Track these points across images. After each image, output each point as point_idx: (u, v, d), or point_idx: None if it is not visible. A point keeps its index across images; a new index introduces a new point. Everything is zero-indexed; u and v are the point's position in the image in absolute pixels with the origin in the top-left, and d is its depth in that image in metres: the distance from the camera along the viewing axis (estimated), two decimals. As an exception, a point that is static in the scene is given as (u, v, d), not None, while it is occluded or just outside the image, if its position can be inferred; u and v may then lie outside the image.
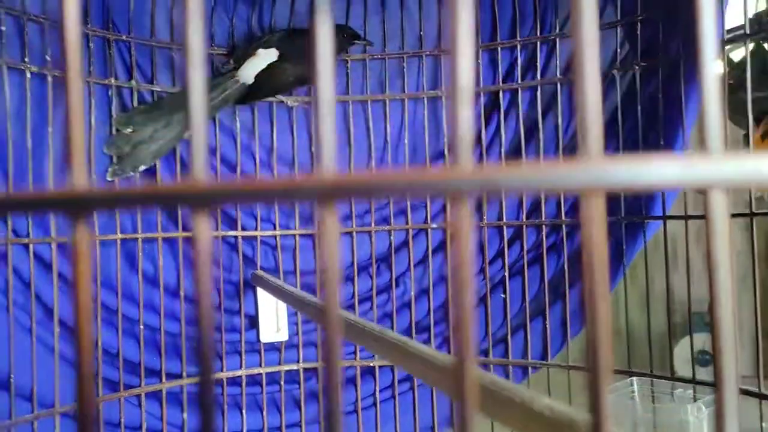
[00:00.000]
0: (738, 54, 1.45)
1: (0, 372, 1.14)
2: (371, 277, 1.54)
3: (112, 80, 1.31)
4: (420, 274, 1.54)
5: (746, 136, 1.66)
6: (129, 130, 1.30)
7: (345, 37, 1.42)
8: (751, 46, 1.19)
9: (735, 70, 1.38)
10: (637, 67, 1.31)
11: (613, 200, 1.37)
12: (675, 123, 1.26)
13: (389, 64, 1.52)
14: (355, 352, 1.51)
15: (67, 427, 1.22)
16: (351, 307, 1.52)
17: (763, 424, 1.04)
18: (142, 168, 1.33)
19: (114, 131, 1.31)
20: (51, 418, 1.19)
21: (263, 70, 1.36)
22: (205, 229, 0.21)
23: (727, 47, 1.21)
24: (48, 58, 1.21)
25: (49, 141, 1.21)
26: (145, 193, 0.21)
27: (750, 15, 1.18)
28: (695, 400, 1.19)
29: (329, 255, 0.19)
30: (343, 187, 0.20)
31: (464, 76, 0.20)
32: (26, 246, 1.18)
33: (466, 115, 0.20)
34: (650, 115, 1.31)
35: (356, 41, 1.45)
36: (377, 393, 1.51)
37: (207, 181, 0.20)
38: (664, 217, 1.27)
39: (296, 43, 1.38)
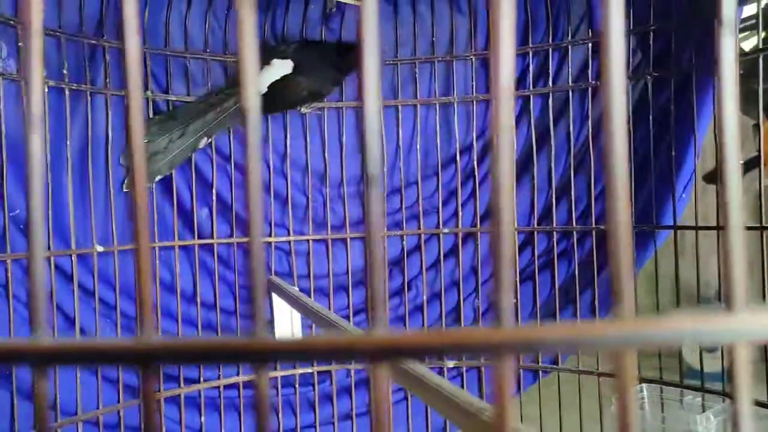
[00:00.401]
0: (749, 44, 1.45)
1: (25, 383, 1.16)
2: (384, 282, 1.55)
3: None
4: (432, 278, 1.56)
5: (756, 126, 1.66)
6: (144, 141, 1.32)
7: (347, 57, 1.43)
8: (763, 35, 1.19)
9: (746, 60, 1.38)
10: (649, 77, 1.32)
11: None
12: (687, 134, 1.27)
13: (401, 70, 1.53)
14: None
15: (90, 435, 1.25)
16: (363, 311, 1.54)
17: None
18: (158, 178, 1.35)
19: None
20: (74, 426, 1.22)
21: (277, 81, 1.37)
22: (265, 383, 0.22)
23: (739, 36, 1.22)
24: (65, 72, 1.22)
25: (67, 153, 1.23)
26: (210, 347, 0.22)
27: (763, 5, 1.18)
28: (704, 408, 1.21)
29: (378, 413, 0.21)
30: (395, 347, 0.21)
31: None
32: (48, 259, 1.20)
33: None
34: (662, 125, 1.31)
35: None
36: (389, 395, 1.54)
37: (267, 339, 0.22)
38: (675, 227, 1.28)
39: (310, 56, 1.39)
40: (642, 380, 1.34)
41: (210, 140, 1.40)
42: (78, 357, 0.24)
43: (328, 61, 1.42)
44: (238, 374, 1.46)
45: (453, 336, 0.21)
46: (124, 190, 1.32)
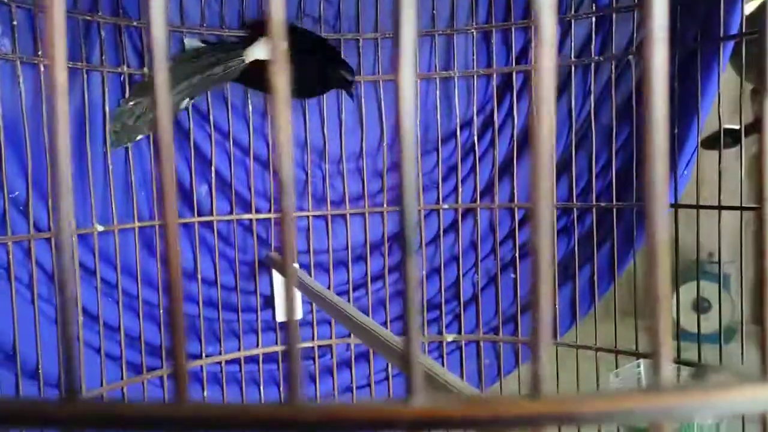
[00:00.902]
0: (750, 6, 1.43)
1: (29, 363, 1.17)
2: (383, 256, 1.56)
3: (125, 68, 1.30)
4: (431, 253, 1.57)
5: (755, 91, 1.65)
6: (131, 103, 1.30)
7: (335, 72, 1.39)
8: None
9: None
10: (653, 53, 1.30)
11: (623, 186, 1.38)
12: (690, 111, 1.26)
13: (401, 44, 1.50)
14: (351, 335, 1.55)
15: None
16: (363, 286, 1.55)
17: None
18: (139, 137, 1.33)
19: (119, 105, 1.30)
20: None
21: (259, 60, 1.35)
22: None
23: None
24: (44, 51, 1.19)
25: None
26: (244, 414, 0.22)
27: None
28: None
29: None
30: (432, 418, 0.21)
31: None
32: (48, 240, 1.19)
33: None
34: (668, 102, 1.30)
35: (344, 79, 1.40)
36: (372, 374, 1.56)
37: (305, 407, 0.22)
38: (676, 206, 1.29)
39: (294, 48, 1.35)
40: (639, 356, 1.36)
41: (192, 102, 1.38)
42: (112, 422, 0.24)
43: (312, 63, 1.38)
44: (239, 349, 1.47)
45: (492, 407, 0.21)
46: (109, 149, 1.28)
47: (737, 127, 1.19)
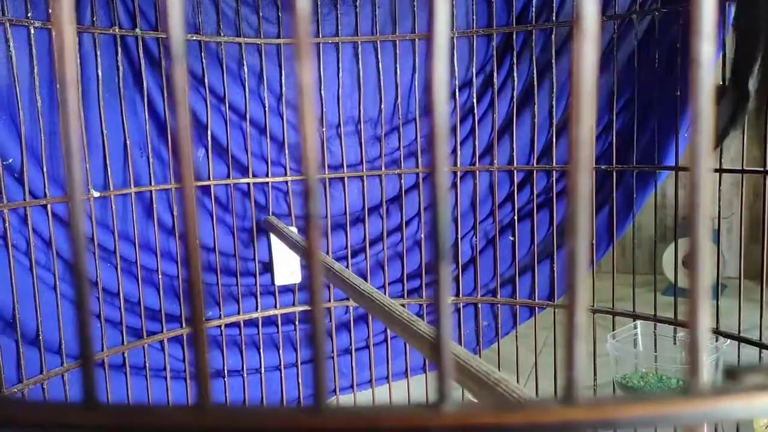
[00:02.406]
0: None
1: (29, 330, 1.17)
2: (382, 219, 1.56)
3: (117, 29, 1.27)
4: (430, 215, 1.56)
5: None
6: None
7: None
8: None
9: None
10: (656, 13, 1.28)
11: (624, 148, 1.37)
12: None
13: (399, 2, 1.47)
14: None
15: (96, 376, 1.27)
16: (362, 251, 1.55)
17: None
18: None
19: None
20: (80, 369, 1.24)
21: None
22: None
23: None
24: (51, 10, 1.16)
25: (58, 97, 1.19)
26: (270, 420, 0.22)
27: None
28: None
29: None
30: (464, 426, 0.21)
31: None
32: (44, 206, 1.18)
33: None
34: (668, 63, 1.29)
35: None
36: (371, 336, 1.57)
37: (335, 413, 0.21)
38: (677, 168, 1.28)
39: None
40: (636, 317, 1.37)
41: None
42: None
43: None
44: (238, 313, 1.48)
45: (527, 414, 0.21)
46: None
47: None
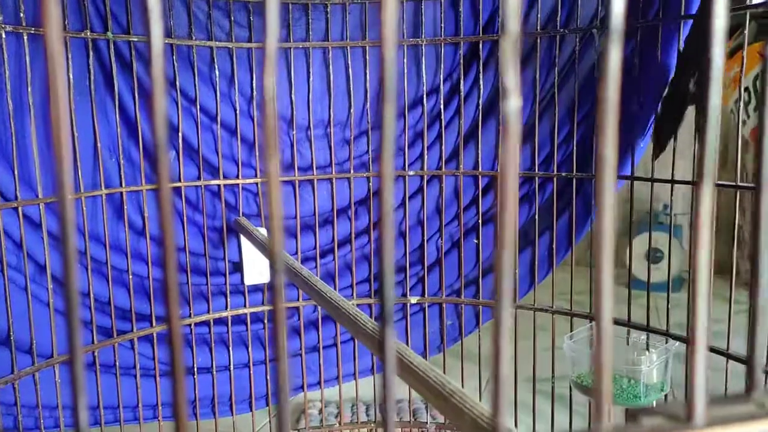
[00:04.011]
0: None
1: (0, 330, 1.19)
2: (350, 220, 1.59)
3: (88, 33, 1.28)
4: (398, 218, 1.60)
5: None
6: None
7: None
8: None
9: None
10: (616, 28, 1.32)
11: (583, 157, 1.42)
12: (650, 86, 1.30)
13: (370, 10, 1.50)
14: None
15: (66, 376, 1.29)
16: (330, 251, 1.59)
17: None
18: None
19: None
20: (51, 368, 1.26)
21: None
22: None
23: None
24: (22, 15, 1.17)
25: (29, 100, 1.20)
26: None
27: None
28: (648, 347, 1.31)
29: None
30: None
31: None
32: (15, 209, 1.19)
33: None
34: (625, 77, 1.34)
35: None
36: (338, 335, 1.61)
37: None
38: (632, 178, 1.34)
39: None
40: (591, 318, 1.43)
41: None
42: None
43: None
44: (208, 311, 1.51)
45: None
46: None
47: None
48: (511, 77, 0.24)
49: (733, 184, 1.15)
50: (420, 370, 0.70)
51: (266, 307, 1.57)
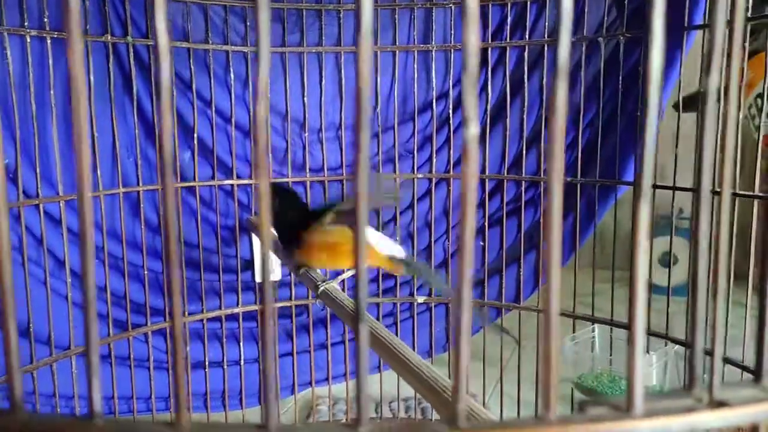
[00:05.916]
0: None
1: (19, 322, 1.24)
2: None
3: (108, 37, 1.33)
4: (406, 219, 1.64)
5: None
6: None
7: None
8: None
9: None
10: (622, 37, 1.35)
11: (588, 162, 1.45)
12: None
13: (381, 15, 1.54)
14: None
15: (83, 367, 1.34)
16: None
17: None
18: None
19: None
20: (68, 359, 1.31)
21: None
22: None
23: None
24: (46, 20, 1.22)
25: (51, 102, 1.25)
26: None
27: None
28: (648, 350, 1.33)
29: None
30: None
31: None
32: (37, 206, 1.25)
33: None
34: (630, 84, 1.37)
35: None
36: (346, 332, 1.65)
37: None
38: (635, 183, 1.36)
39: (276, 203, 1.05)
40: (594, 320, 1.45)
41: None
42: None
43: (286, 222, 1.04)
44: (220, 308, 1.55)
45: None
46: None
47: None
48: (471, 108, 0.27)
49: (751, 193, 1.18)
50: (413, 364, 0.73)
51: (277, 304, 1.61)
